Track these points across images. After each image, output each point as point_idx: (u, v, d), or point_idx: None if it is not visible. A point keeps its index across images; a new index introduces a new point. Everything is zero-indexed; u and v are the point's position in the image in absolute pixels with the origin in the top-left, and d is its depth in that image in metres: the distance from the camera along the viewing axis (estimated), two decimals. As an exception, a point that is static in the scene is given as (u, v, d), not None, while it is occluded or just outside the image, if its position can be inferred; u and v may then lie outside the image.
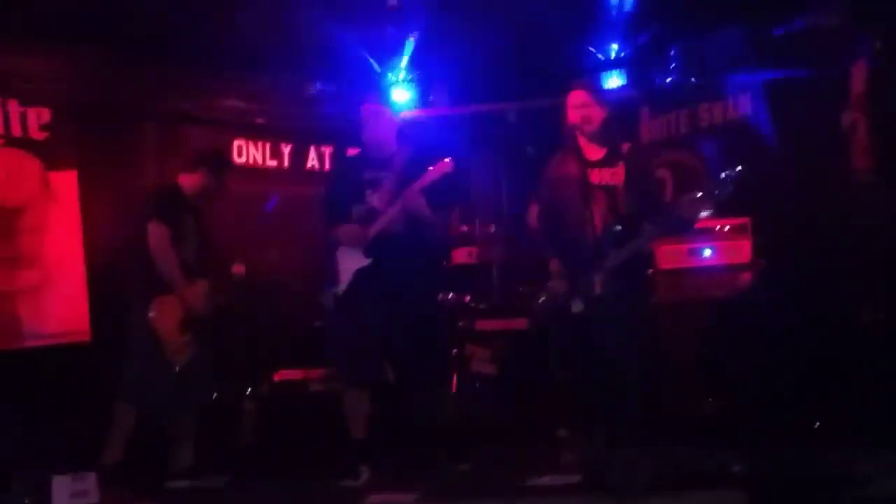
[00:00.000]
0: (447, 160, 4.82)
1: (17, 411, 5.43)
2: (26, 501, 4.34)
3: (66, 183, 6.20)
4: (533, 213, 4.99)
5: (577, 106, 4.73)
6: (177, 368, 5.02)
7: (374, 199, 4.90)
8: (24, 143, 6.14)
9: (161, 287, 5.03)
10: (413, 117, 7.20)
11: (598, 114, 4.73)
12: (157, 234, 5.03)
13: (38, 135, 6.19)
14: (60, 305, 6.08)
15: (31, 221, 6.07)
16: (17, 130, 6.11)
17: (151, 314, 4.99)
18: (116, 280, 5.69)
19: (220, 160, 5.52)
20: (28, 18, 5.99)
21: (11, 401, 5.46)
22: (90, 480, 4.50)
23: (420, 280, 4.88)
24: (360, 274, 4.82)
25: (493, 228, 6.95)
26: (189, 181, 5.29)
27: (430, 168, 4.80)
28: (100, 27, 6.24)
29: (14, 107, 6.11)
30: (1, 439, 5.15)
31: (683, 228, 4.90)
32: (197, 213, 5.30)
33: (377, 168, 4.95)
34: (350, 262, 4.85)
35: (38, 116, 6.19)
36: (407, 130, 6.07)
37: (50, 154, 6.22)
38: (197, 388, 5.16)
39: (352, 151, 5.34)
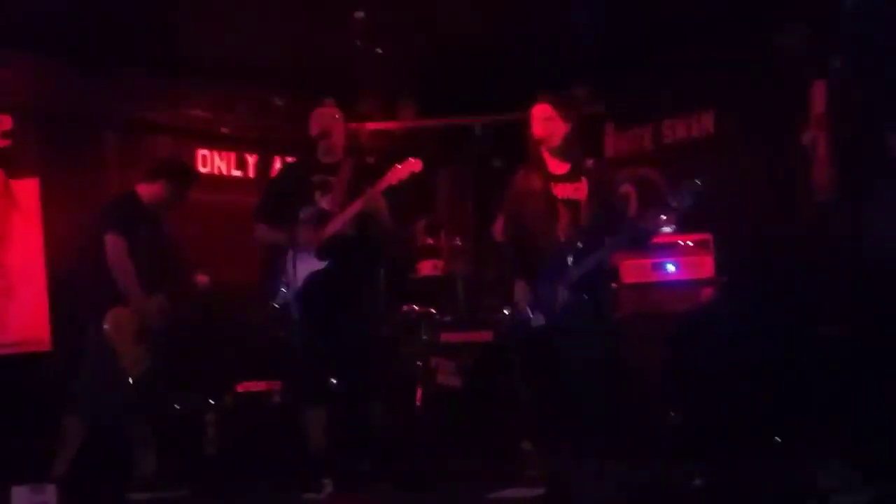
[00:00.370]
0: (415, 159, 4.81)
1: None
2: (-17, 513, 4.29)
3: (28, 191, 6.14)
4: (498, 226, 5.02)
5: (542, 119, 4.76)
6: (130, 380, 4.95)
7: (325, 202, 4.88)
8: (-15, 151, 6.09)
9: (117, 298, 4.96)
10: (379, 128, 7.21)
11: (561, 128, 4.77)
12: (114, 245, 4.95)
13: (-1, 142, 6.15)
14: (21, 314, 6.01)
15: (-9, 229, 6.00)
16: (-24, 138, 6.06)
17: (107, 326, 4.92)
18: (77, 289, 5.63)
19: (181, 170, 5.44)
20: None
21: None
22: (50, 492, 4.46)
23: (368, 283, 4.88)
24: (312, 277, 4.78)
25: (458, 241, 6.96)
26: (148, 191, 5.21)
27: (398, 166, 4.78)
28: (63, 35, 6.21)
29: (-26, 114, 6.07)
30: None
31: (643, 242, 4.95)
32: (156, 224, 5.22)
33: (326, 171, 4.94)
34: (302, 266, 4.79)
35: (0, 123, 6.13)
36: (363, 139, 6.11)
37: (11, 162, 6.17)
38: (152, 399, 5.09)
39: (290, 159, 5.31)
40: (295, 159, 5.27)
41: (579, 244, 4.61)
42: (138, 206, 5.17)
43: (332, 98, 5.89)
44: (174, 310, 5.18)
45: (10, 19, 5.92)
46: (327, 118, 5.04)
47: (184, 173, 5.45)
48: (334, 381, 4.97)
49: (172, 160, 5.77)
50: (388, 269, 5.46)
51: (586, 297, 4.57)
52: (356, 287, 4.82)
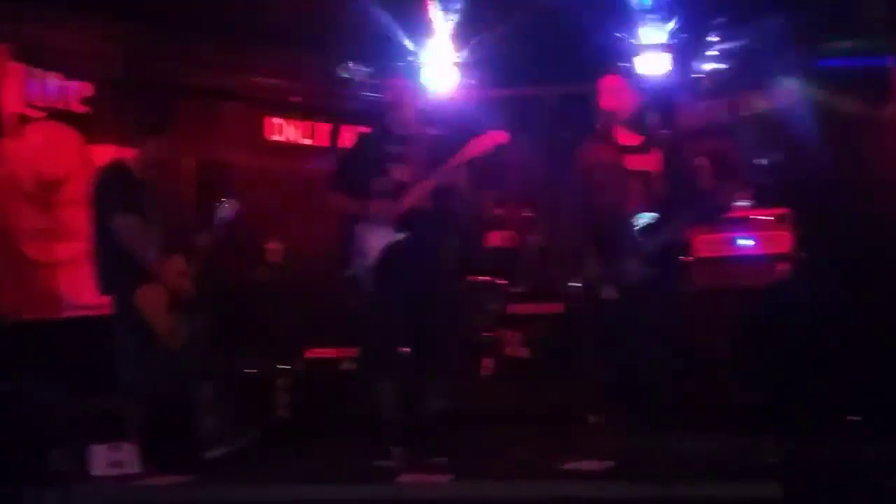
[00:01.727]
0: (500, 132, 4.76)
1: (54, 380, 5.49)
2: (65, 470, 4.39)
3: (106, 156, 6.23)
4: (568, 198, 4.99)
5: (612, 91, 4.72)
6: (175, 350, 4.88)
7: (400, 173, 4.87)
8: (66, 117, 6.19)
9: (139, 274, 4.81)
10: (451, 99, 7.19)
11: (632, 100, 4.72)
12: (125, 225, 4.77)
13: (79, 108, 6.25)
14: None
15: (71, 194, 6.11)
16: (58, 104, 6.17)
17: (138, 303, 4.80)
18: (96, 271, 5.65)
19: (161, 124, 5.09)
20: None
21: (49, 370, 5.52)
22: (129, 450, 4.56)
23: (446, 257, 4.87)
24: (389, 249, 4.77)
25: (528, 212, 6.95)
26: (136, 155, 4.98)
27: (480, 137, 4.74)
28: (141, 2, 6.29)
29: (56, 80, 6.17)
30: (39, 409, 5.19)
31: (718, 216, 4.89)
32: (152, 187, 5.00)
33: (401, 143, 4.92)
34: (377, 237, 4.78)
35: (80, 90, 6.25)
36: (437, 110, 6.06)
37: (90, 128, 6.27)
38: (202, 362, 5.05)
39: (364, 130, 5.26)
40: (369, 130, 5.23)
41: (651, 216, 4.56)
42: (130, 174, 4.94)
43: (404, 68, 5.95)
44: (194, 267, 5.02)
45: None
46: (401, 90, 5.03)
47: (164, 126, 5.10)
48: (406, 351, 4.99)
49: (151, 116, 5.27)
50: (462, 241, 5.42)
51: (658, 271, 4.53)
52: (433, 259, 4.81)
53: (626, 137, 4.74)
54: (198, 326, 5.04)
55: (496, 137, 4.74)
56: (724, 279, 5.60)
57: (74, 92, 6.25)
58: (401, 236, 4.75)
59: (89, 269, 6.04)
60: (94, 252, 4.97)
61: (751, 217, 5.60)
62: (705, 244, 5.67)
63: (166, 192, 5.20)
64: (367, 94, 7.33)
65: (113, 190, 4.86)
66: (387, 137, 4.95)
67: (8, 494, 4.00)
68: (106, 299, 6.00)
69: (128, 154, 5.03)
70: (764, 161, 4.36)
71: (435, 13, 7.04)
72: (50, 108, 6.12)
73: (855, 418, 4.53)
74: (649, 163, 4.69)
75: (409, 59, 7.19)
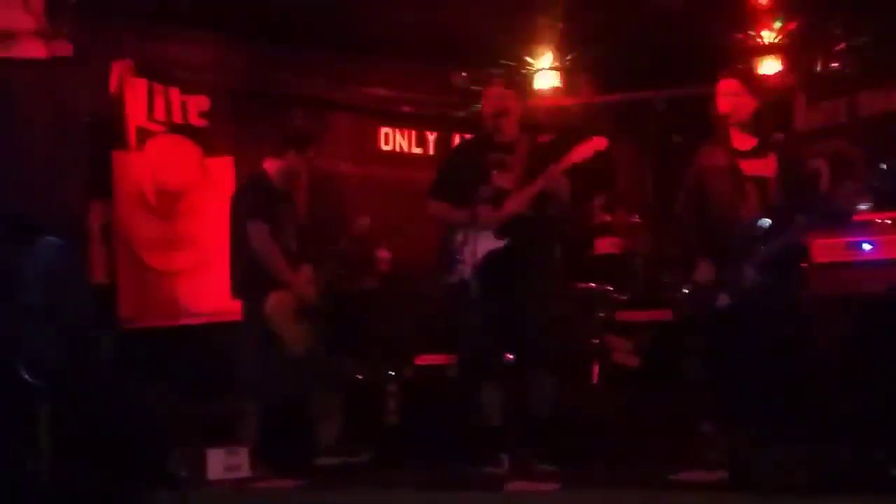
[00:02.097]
0: (600, 137, 4.73)
1: (173, 386, 5.68)
2: (183, 473, 4.52)
3: (223, 168, 6.45)
4: (680, 203, 4.90)
5: (728, 95, 4.63)
6: (299, 357, 5.01)
7: (502, 180, 4.85)
8: (185, 130, 6.42)
9: (270, 282, 4.96)
10: (557, 104, 7.16)
11: (749, 103, 4.64)
12: (257, 232, 4.92)
13: (197, 122, 6.47)
14: (215, 285, 6.30)
15: (190, 205, 6.33)
16: (178, 117, 6.40)
17: (268, 310, 4.93)
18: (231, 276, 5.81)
19: (304, 138, 5.28)
20: (186, 8, 6.25)
21: (168, 376, 5.71)
22: (242, 454, 4.68)
23: (547, 263, 4.84)
24: (490, 256, 4.77)
25: (637, 218, 6.86)
26: (276, 166, 5.15)
27: (582, 144, 4.71)
28: (253, 15, 6.46)
29: (176, 95, 6.40)
30: (158, 413, 5.37)
31: (840, 221, 4.73)
32: (289, 198, 5.20)
33: (502, 150, 4.91)
34: (479, 244, 4.76)
35: (198, 104, 6.46)
36: (543, 116, 6.03)
37: (208, 140, 6.48)
38: (326, 373, 5.20)
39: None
40: (470, 137, 5.26)
41: (767, 222, 4.45)
42: (268, 184, 5.12)
43: (505, 75, 5.92)
44: (322, 276, 5.17)
45: (204, 1, 6.21)
46: (501, 97, 5.02)
47: (308, 139, 5.30)
48: (510, 357, 4.98)
49: (293, 129, 5.65)
50: (565, 247, 5.39)
51: (775, 278, 4.42)
52: (534, 265, 4.79)
53: (742, 141, 4.64)
54: (320, 335, 5.15)
55: (597, 143, 4.70)
56: (842, 285, 5.40)
57: (193, 105, 6.47)
58: (501, 243, 4.75)
59: (207, 278, 6.31)
60: (231, 258, 5.18)
61: (871, 221, 5.40)
62: (823, 249, 5.48)
63: (301, 203, 5.40)
64: (477, 102, 7.35)
65: (249, 197, 5.07)
66: (488, 144, 4.96)
67: (125, 496, 4.14)
68: (225, 306, 6.24)
69: (268, 164, 5.20)
70: (884, 164, 4.18)
71: (542, 18, 7.02)
72: (169, 121, 6.34)
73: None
74: (765, 167, 4.58)
75: (515, 65, 7.18)
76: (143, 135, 6.21)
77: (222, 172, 6.42)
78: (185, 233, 6.30)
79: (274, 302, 4.96)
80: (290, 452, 5.06)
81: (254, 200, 5.03)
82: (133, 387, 5.25)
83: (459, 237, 4.85)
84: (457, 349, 5.13)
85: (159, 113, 6.32)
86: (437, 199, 5.02)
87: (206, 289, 6.29)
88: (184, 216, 6.32)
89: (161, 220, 6.24)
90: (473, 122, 7.49)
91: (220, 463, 4.62)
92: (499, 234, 4.76)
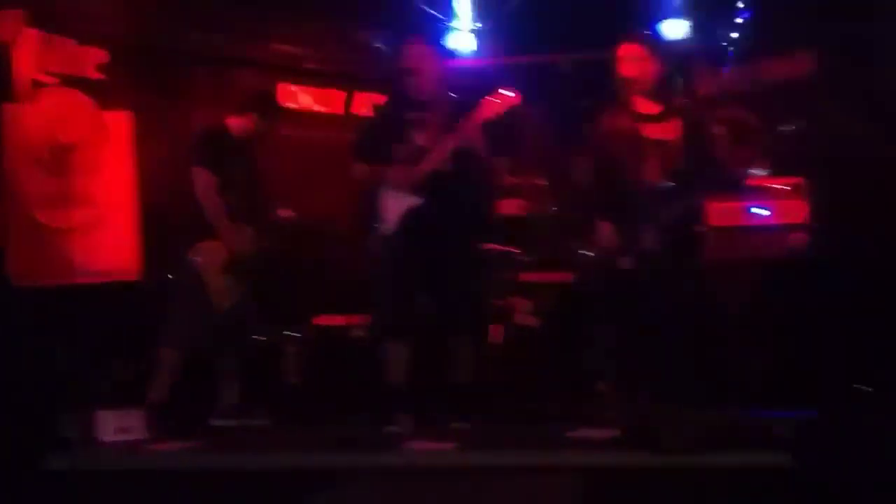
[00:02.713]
0: (511, 91, 4.71)
1: (66, 347, 5.53)
2: (72, 436, 4.42)
3: (120, 123, 6.24)
4: (583, 166, 4.93)
5: (632, 59, 4.66)
6: (221, 311, 5.04)
7: (420, 138, 4.82)
8: (80, 83, 6.17)
9: (207, 231, 5.04)
10: (468, 65, 7.12)
11: (653, 68, 4.67)
12: (202, 179, 5.03)
13: (93, 75, 6.22)
14: (112, 244, 6.14)
15: (85, 160, 6.11)
16: (73, 70, 6.15)
17: (197, 258, 5.01)
18: (167, 221, 5.75)
19: (269, 103, 5.48)
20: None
21: (61, 336, 5.55)
22: (135, 417, 4.59)
23: (466, 221, 4.83)
24: (410, 213, 4.75)
25: (541, 181, 6.88)
26: (237, 123, 5.26)
27: (492, 98, 4.68)
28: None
29: (71, 46, 6.15)
30: (49, 374, 5.24)
31: (736, 185, 4.83)
32: (245, 157, 5.26)
33: (420, 108, 4.88)
34: (398, 203, 4.78)
35: (95, 56, 6.23)
36: (455, 75, 6.01)
37: (105, 94, 6.25)
38: (241, 330, 5.19)
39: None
40: (388, 97, 5.21)
41: (669, 186, 4.50)
42: (228, 138, 5.21)
43: (422, 35, 5.85)
44: (261, 243, 5.23)
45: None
46: (419, 55, 4.97)
47: (272, 106, 5.48)
48: (428, 315, 4.98)
49: (261, 93, 5.79)
50: (487, 205, 5.38)
51: (674, 240, 4.48)
52: (454, 223, 4.76)
53: (645, 105, 4.67)
54: (247, 294, 5.15)
55: (508, 99, 4.67)
56: (738, 249, 5.52)
57: (89, 58, 6.23)
58: (418, 201, 4.72)
59: (103, 236, 6.13)
60: (171, 201, 5.39)
61: (767, 186, 5.52)
62: (720, 213, 5.59)
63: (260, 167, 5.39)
64: (385, 60, 7.28)
65: (203, 144, 5.15)
66: (406, 103, 4.91)
67: (14, 459, 4.02)
68: (121, 265, 6.09)
69: (230, 121, 5.25)
70: (783, 130, 4.27)
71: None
72: (64, 74, 6.10)
73: (865, 388, 4.48)
74: (668, 131, 4.63)
75: (428, 24, 7.11)
76: (36, 87, 5.96)
77: (119, 127, 6.21)
78: (79, 189, 6.08)
79: (205, 250, 5.01)
80: (190, 412, 4.99)
81: (204, 148, 5.11)
82: (23, 346, 5.11)
83: (381, 197, 4.81)
84: (371, 308, 5.09)
85: (53, 65, 6.07)
86: (358, 159, 4.96)
87: (101, 247, 6.11)
88: (78, 172, 6.09)
89: (54, 175, 6.00)
90: (379, 81, 7.47)
91: (111, 425, 4.52)
92: (416, 192, 4.72)
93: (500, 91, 4.68)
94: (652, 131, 4.63)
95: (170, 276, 5.34)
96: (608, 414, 4.55)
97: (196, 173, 5.05)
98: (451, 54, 7.09)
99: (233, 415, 5.10)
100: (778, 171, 5.32)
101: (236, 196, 5.14)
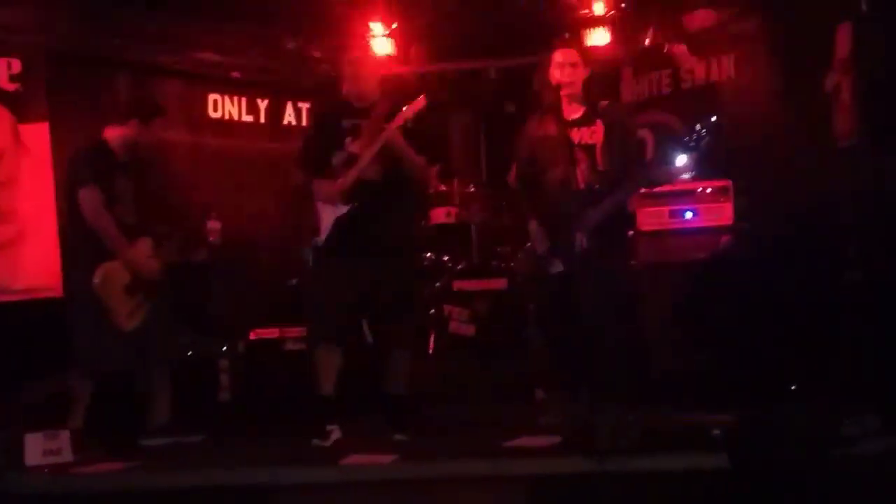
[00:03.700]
0: (420, 97, 4.71)
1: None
2: (-3, 460, 4.27)
3: (38, 135, 6.08)
4: (513, 172, 4.95)
5: (565, 65, 4.68)
6: (129, 330, 4.86)
7: (355, 146, 4.76)
8: (-7, 94, 6.01)
9: (104, 252, 4.82)
10: (393, 72, 7.10)
11: (582, 73, 4.70)
12: (89, 199, 4.78)
13: (8, 85, 6.06)
14: (32, 260, 5.99)
15: (2, 174, 5.94)
16: (-15, 80, 5.98)
17: (96, 281, 4.79)
18: (87, 235, 5.59)
19: (149, 107, 5.15)
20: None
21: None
22: (63, 438, 4.44)
23: (398, 228, 4.80)
24: (338, 222, 4.69)
25: (471, 187, 6.89)
26: (117, 134, 4.98)
27: (404, 108, 4.69)
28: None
29: (-18, 56, 5.98)
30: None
31: (661, 183, 4.90)
32: (130, 169, 5.01)
33: (357, 116, 4.85)
34: (330, 213, 4.71)
35: (9, 66, 6.05)
36: (387, 82, 5.99)
37: (21, 105, 6.08)
38: (158, 346, 5.00)
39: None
40: (325, 105, 5.14)
41: (596, 188, 4.54)
42: (108, 153, 4.95)
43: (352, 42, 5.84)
44: (165, 253, 5.04)
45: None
46: (355, 62, 4.92)
47: (153, 109, 5.15)
48: (365, 324, 4.91)
49: (140, 98, 5.60)
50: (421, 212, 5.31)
51: (604, 243, 4.51)
52: (386, 229, 4.73)
53: (571, 110, 4.70)
54: (156, 310, 4.98)
55: (416, 104, 4.67)
56: (668, 252, 5.60)
57: (3, 68, 6.05)
58: (345, 210, 4.68)
59: (22, 253, 5.95)
60: (67, 227, 5.02)
61: (692, 189, 5.61)
62: (648, 217, 5.67)
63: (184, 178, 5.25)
64: (315, 68, 7.23)
65: (83, 164, 4.88)
66: (344, 111, 4.86)
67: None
68: (42, 282, 5.91)
69: (109, 133, 4.98)
70: (704, 132, 4.33)
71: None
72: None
73: (794, 388, 4.57)
74: (593, 135, 4.66)
75: (355, 32, 7.07)
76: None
77: (37, 140, 6.05)
78: (-2, 205, 5.91)
79: (104, 271, 4.81)
80: (118, 433, 4.86)
81: (88, 167, 4.86)
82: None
83: (318, 207, 4.77)
84: (306, 320, 5.03)
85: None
86: (299, 168, 4.90)
87: (21, 263, 5.94)
88: (-4, 187, 5.92)
89: (-32, 191, 5.83)
90: (306, 90, 7.40)
91: (39, 447, 4.36)
92: (345, 199, 4.68)
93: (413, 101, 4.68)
94: (578, 135, 4.65)
95: (72, 301, 5.07)
96: (547, 420, 4.57)
97: (82, 194, 4.79)
98: (382, 61, 7.05)
99: (163, 433, 4.97)
100: (704, 174, 5.40)
101: (127, 211, 4.93)
